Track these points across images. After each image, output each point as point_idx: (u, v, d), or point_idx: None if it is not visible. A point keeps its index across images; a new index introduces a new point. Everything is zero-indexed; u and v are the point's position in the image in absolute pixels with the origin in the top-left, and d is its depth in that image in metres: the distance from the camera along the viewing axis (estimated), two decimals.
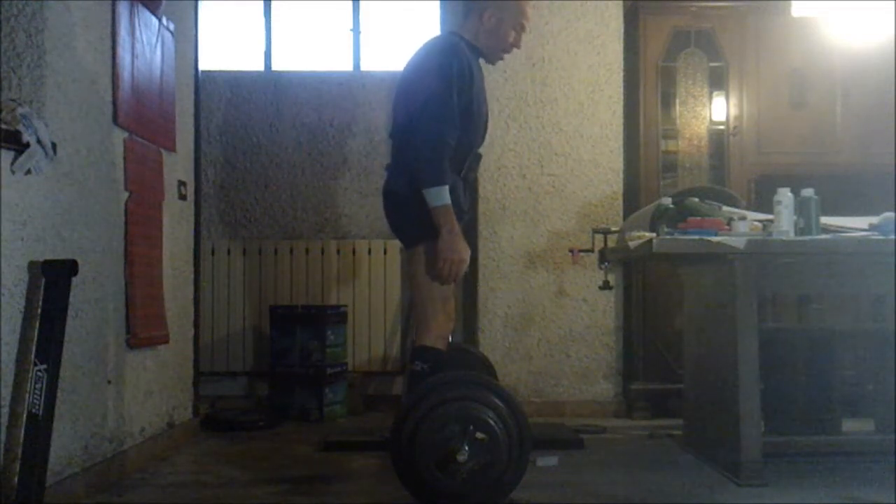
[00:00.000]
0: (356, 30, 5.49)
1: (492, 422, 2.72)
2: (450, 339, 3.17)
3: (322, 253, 5.12)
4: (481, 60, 3.16)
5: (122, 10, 3.29)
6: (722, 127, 4.87)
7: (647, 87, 4.84)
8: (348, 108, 5.34)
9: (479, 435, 2.70)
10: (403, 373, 4.98)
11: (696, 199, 3.65)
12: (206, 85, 4.89)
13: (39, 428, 2.49)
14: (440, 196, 2.86)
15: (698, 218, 3.41)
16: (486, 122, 3.19)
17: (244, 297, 5.09)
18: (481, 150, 3.18)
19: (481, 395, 2.78)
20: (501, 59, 3.23)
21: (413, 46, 3.20)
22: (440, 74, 2.94)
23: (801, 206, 3.30)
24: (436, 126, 2.89)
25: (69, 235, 2.88)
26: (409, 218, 2.99)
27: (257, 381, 5.05)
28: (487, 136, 4.92)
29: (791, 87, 4.84)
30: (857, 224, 3.40)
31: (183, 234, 4.08)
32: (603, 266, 4.26)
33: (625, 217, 4.62)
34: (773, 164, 4.80)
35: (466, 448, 2.67)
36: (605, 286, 4.34)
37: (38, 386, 2.49)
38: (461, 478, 2.68)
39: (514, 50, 3.20)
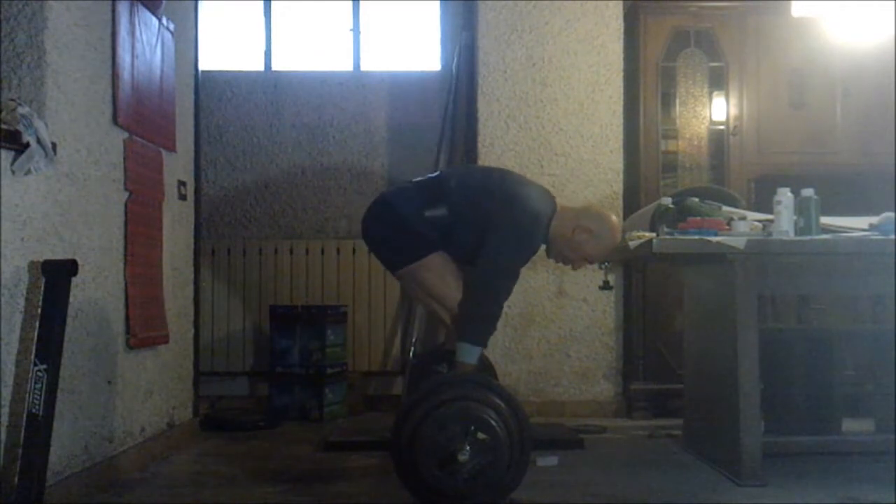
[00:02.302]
0: (356, 30, 5.50)
1: (493, 422, 2.72)
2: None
3: (322, 253, 5.12)
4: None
5: (122, 10, 3.29)
6: (722, 127, 4.87)
7: (647, 87, 4.84)
8: (348, 108, 5.34)
9: (481, 435, 2.70)
10: (403, 373, 4.99)
11: (696, 199, 3.65)
12: (206, 85, 4.89)
13: (39, 428, 2.49)
14: (473, 355, 2.95)
15: (698, 218, 3.41)
16: None
17: (244, 297, 5.09)
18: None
19: (482, 395, 2.78)
20: (550, 257, 3.25)
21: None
22: (522, 248, 3.01)
23: (801, 206, 3.30)
24: (503, 294, 2.99)
25: (69, 235, 2.88)
26: (406, 240, 3.05)
27: (257, 381, 5.05)
28: (487, 137, 4.95)
29: (791, 87, 4.85)
30: (857, 224, 3.40)
31: (183, 234, 4.08)
32: (603, 266, 4.26)
33: (625, 217, 4.62)
34: (773, 164, 4.81)
35: (468, 448, 2.67)
36: (605, 286, 4.34)
37: (38, 386, 2.49)
38: (462, 478, 2.68)
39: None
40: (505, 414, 2.76)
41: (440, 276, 3.04)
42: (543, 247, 3.19)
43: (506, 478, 2.74)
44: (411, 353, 4.86)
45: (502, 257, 2.97)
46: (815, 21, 4.74)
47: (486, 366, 3.39)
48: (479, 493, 2.71)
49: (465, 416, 2.71)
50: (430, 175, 3.30)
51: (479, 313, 2.97)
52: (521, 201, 3.04)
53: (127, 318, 3.34)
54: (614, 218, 3.22)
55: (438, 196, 3.07)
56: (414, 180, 3.26)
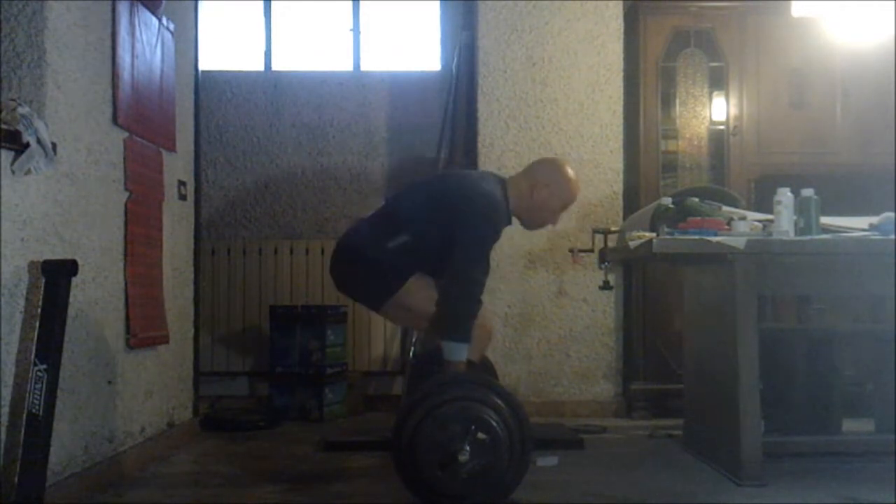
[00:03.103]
0: (356, 30, 5.50)
1: (493, 422, 2.72)
2: None
3: (322, 253, 5.12)
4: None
5: (122, 10, 3.29)
6: (722, 127, 4.87)
7: (647, 87, 4.84)
8: (348, 108, 5.34)
9: (481, 435, 2.70)
10: (403, 373, 4.99)
11: (696, 199, 3.65)
12: (206, 85, 4.89)
13: (39, 428, 2.49)
14: (460, 352, 2.96)
15: (698, 218, 3.41)
16: None
17: (244, 297, 5.09)
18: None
19: (482, 395, 2.78)
20: (530, 228, 3.36)
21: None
22: (484, 237, 3.06)
23: (801, 206, 3.30)
24: (475, 289, 3.01)
25: (69, 235, 2.88)
26: (379, 277, 3.07)
27: (257, 381, 5.05)
28: (487, 137, 4.95)
29: (791, 87, 4.85)
30: (857, 224, 3.40)
31: (183, 234, 4.08)
32: (603, 266, 4.26)
33: (625, 217, 4.62)
34: (773, 164, 4.80)
35: (468, 448, 2.67)
36: (605, 286, 4.34)
37: (38, 386, 2.49)
38: (462, 478, 2.68)
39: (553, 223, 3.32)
40: (505, 414, 2.76)
41: (423, 296, 3.07)
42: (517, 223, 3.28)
43: (506, 477, 2.74)
44: (411, 354, 4.86)
45: (467, 254, 3.01)
46: (815, 21, 4.74)
47: (486, 367, 3.40)
48: (480, 492, 2.71)
49: (465, 416, 2.72)
50: (380, 207, 3.36)
51: (456, 310, 3.00)
52: (469, 197, 3.08)
53: (127, 318, 3.34)
54: (560, 161, 3.32)
55: (395, 225, 3.11)
56: (363, 217, 3.35)
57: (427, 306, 3.05)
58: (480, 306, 3.03)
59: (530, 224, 3.32)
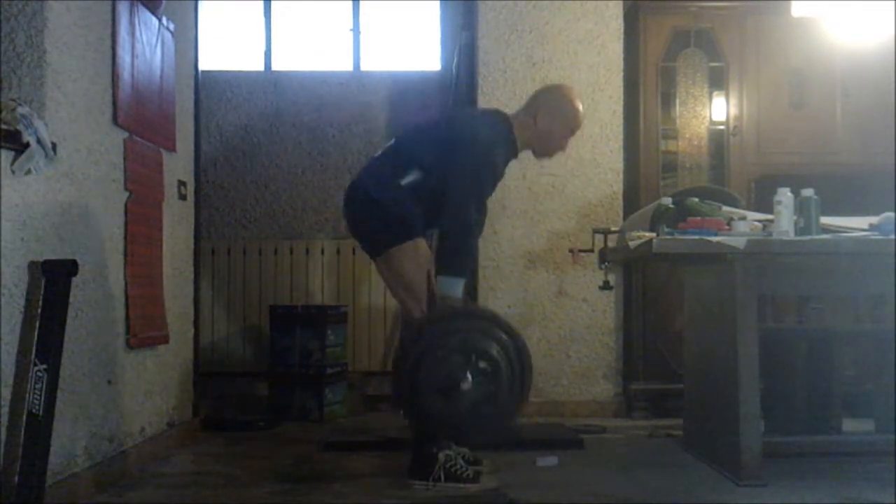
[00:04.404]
0: (356, 30, 5.50)
1: (493, 351, 2.77)
2: None
3: (322, 253, 5.12)
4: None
5: (122, 10, 3.29)
6: (722, 127, 4.87)
7: (647, 87, 4.84)
8: (348, 108, 5.34)
9: (482, 364, 2.74)
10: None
11: (696, 199, 3.65)
12: (206, 85, 4.89)
13: (39, 428, 2.49)
14: (457, 287, 3.00)
15: (698, 218, 3.41)
16: None
17: (244, 297, 5.09)
18: None
19: (482, 326, 2.83)
20: (538, 157, 3.41)
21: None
22: (486, 170, 3.10)
23: (801, 206, 3.30)
24: (469, 221, 3.05)
25: (69, 235, 2.88)
26: (385, 225, 3.10)
27: (257, 381, 5.04)
28: None
29: (791, 87, 4.85)
30: (857, 224, 3.40)
31: (183, 234, 4.08)
32: (603, 266, 4.26)
33: (625, 217, 4.62)
34: (773, 164, 4.80)
35: (469, 377, 2.71)
36: (605, 286, 4.34)
37: (38, 386, 2.49)
38: (465, 406, 2.72)
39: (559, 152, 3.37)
40: (505, 343, 2.81)
41: (416, 263, 3.09)
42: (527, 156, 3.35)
43: (508, 405, 2.80)
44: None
45: (464, 189, 3.05)
46: (815, 21, 4.74)
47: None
48: (482, 421, 2.76)
49: (466, 346, 2.76)
50: (388, 146, 3.35)
51: (454, 246, 3.03)
52: (470, 133, 3.14)
53: (127, 318, 3.34)
54: (562, 87, 3.39)
55: (406, 162, 3.15)
56: (374, 156, 3.36)
57: (413, 274, 3.07)
58: (476, 243, 3.05)
59: (540, 152, 3.35)
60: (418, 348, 2.79)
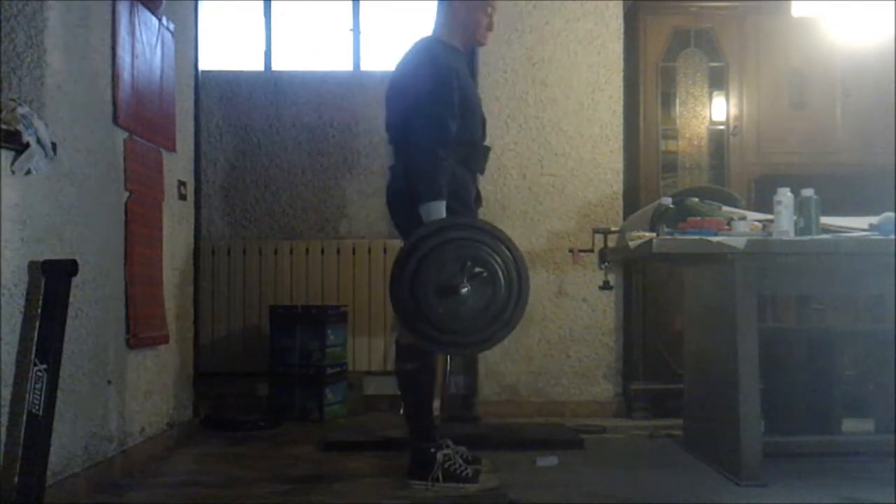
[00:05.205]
0: (356, 30, 5.49)
1: (490, 258, 2.85)
2: None
3: (322, 253, 5.12)
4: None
5: (122, 10, 3.29)
6: (722, 127, 4.86)
7: (647, 87, 4.84)
8: (348, 108, 5.33)
9: (479, 270, 2.83)
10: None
11: (696, 199, 3.65)
12: (206, 85, 4.89)
13: (39, 428, 2.49)
14: (436, 210, 2.99)
15: (698, 218, 3.41)
16: (483, 118, 3.27)
17: (244, 297, 5.08)
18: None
19: (477, 235, 2.90)
20: (484, 43, 3.41)
21: (406, 47, 3.29)
22: (426, 85, 3.09)
23: (801, 206, 3.30)
24: (426, 141, 3.04)
25: (69, 235, 2.88)
26: (415, 217, 3.06)
27: (257, 381, 5.04)
28: (488, 137, 4.92)
29: (791, 87, 4.84)
30: (857, 224, 3.40)
31: (183, 234, 4.08)
32: (603, 266, 4.26)
33: (625, 217, 4.62)
34: (773, 164, 4.80)
35: (467, 282, 2.79)
36: (605, 286, 4.34)
37: (38, 386, 2.49)
38: (465, 312, 2.81)
39: (489, 34, 3.36)
40: (501, 251, 2.88)
41: None
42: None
43: (507, 311, 2.87)
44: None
45: (417, 115, 3.08)
46: (815, 21, 4.74)
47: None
48: (484, 326, 2.86)
49: (462, 253, 2.83)
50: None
51: (417, 169, 3.04)
52: (408, 72, 3.20)
53: (127, 318, 3.34)
54: None
55: (394, 147, 3.28)
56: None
57: None
58: (441, 161, 3.02)
59: (474, 38, 3.32)
60: (416, 254, 2.85)
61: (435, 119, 3.05)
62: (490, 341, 2.99)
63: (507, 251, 2.91)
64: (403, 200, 3.12)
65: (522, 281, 2.90)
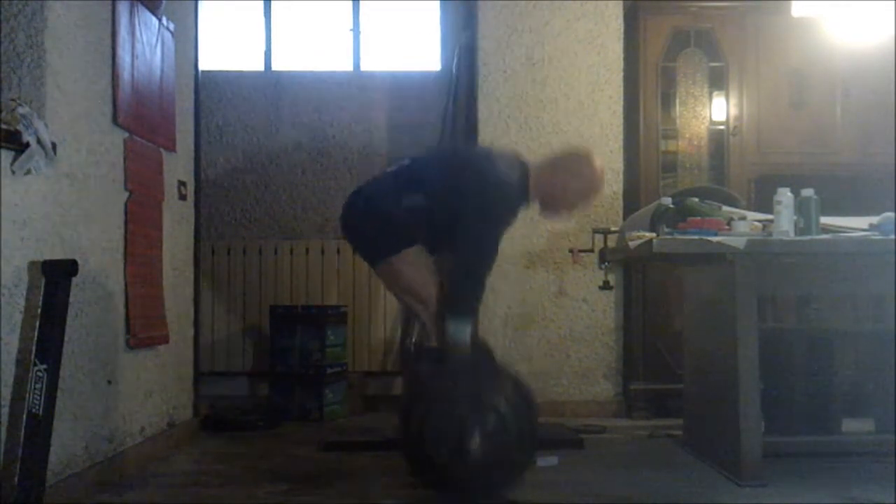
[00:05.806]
0: (356, 30, 5.50)
1: (502, 409, 2.76)
2: None
3: (322, 253, 5.12)
4: None
5: (122, 10, 3.29)
6: (722, 127, 4.86)
7: (647, 87, 4.84)
8: (348, 108, 5.34)
9: (491, 421, 2.75)
10: (403, 373, 4.98)
11: (696, 199, 3.65)
12: (206, 85, 4.89)
13: (39, 428, 2.49)
14: (463, 332, 2.94)
15: (698, 218, 3.42)
16: None
17: (244, 297, 5.09)
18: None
19: (491, 383, 2.83)
20: (556, 217, 3.28)
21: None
22: (494, 216, 3.03)
23: (801, 206, 3.30)
24: (480, 271, 3.02)
25: (69, 235, 2.88)
26: (383, 235, 3.07)
27: (257, 381, 5.05)
28: (487, 137, 4.94)
29: (791, 87, 4.85)
30: (857, 224, 3.40)
31: (183, 234, 4.08)
32: (603, 266, 4.26)
33: (625, 217, 4.62)
34: (773, 164, 4.80)
35: (478, 437, 2.72)
36: (605, 286, 4.35)
37: (38, 386, 2.49)
38: (472, 464, 2.73)
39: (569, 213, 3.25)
40: (512, 399, 2.80)
41: (416, 268, 3.07)
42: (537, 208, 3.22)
43: (515, 462, 2.79)
44: (412, 341, 4.85)
45: (474, 233, 3.00)
46: (815, 21, 4.74)
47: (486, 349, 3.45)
48: (489, 478, 2.76)
49: (475, 403, 2.75)
50: (402, 163, 3.27)
51: (461, 290, 3.00)
52: (484, 175, 3.05)
53: (127, 318, 3.34)
54: (588, 155, 3.23)
55: (413, 183, 3.09)
56: (387, 170, 3.28)
57: (414, 280, 3.05)
58: (483, 289, 3.03)
59: (548, 213, 3.23)
60: (423, 406, 2.80)
61: (489, 249, 3.04)
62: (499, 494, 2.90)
63: (512, 392, 2.85)
64: (389, 218, 3.06)
65: (534, 422, 2.85)
